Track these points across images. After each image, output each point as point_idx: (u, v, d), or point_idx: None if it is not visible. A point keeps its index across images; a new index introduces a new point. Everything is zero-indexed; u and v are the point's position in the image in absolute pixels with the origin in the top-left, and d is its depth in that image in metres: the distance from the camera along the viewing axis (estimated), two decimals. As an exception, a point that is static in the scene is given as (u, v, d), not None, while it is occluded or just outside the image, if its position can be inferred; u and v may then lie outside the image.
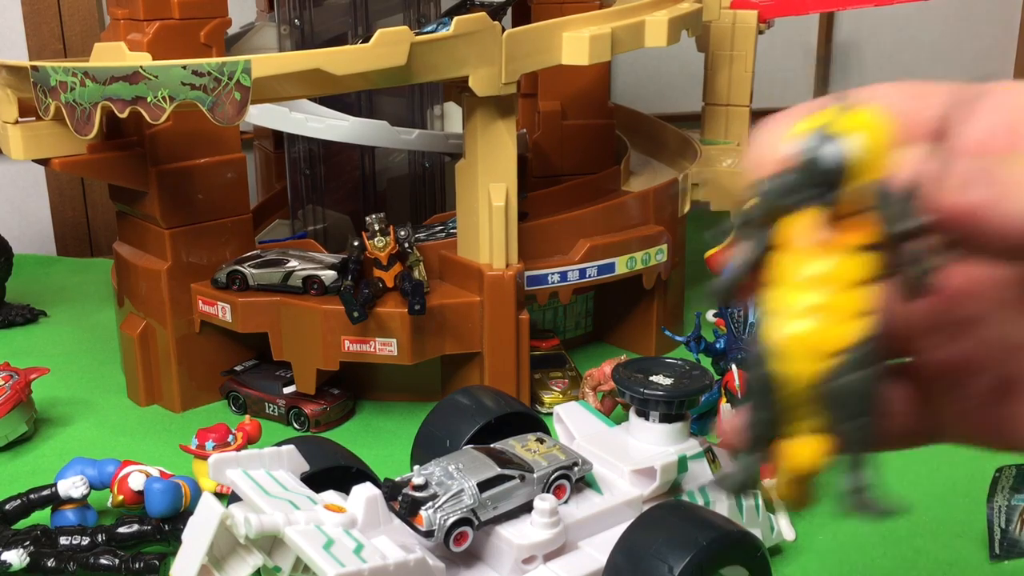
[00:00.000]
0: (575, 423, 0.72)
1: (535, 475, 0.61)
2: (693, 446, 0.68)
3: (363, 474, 0.66)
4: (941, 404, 0.32)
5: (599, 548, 0.61)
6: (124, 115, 0.78)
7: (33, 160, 0.89)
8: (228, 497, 0.63)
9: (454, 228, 0.98)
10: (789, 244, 0.28)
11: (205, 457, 0.77)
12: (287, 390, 0.96)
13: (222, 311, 0.95)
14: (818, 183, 0.27)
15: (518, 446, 0.65)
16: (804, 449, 0.29)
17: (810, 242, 0.28)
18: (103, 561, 0.70)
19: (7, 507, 0.75)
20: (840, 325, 0.27)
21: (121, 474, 0.76)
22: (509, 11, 1.13)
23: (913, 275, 0.27)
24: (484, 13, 0.85)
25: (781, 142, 0.28)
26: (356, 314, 0.87)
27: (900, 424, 0.33)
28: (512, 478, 0.60)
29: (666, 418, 0.67)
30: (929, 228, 0.27)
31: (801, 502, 0.29)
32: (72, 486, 0.75)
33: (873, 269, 0.28)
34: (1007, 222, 0.25)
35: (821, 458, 0.29)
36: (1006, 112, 0.27)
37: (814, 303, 0.28)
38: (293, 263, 0.95)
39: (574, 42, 0.88)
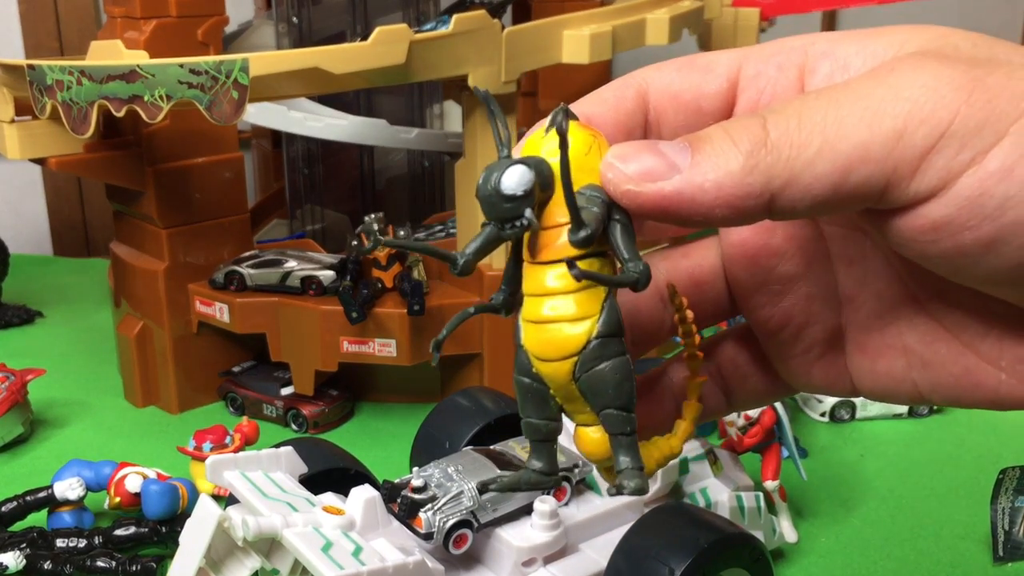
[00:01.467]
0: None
1: (535, 477, 0.61)
2: (694, 448, 0.68)
3: (362, 476, 0.65)
4: (784, 360, 0.34)
5: (599, 550, 0.61)
6: (121, 114, 0.77)
7: (29, 159, 0.88)
8: (226, 499, 0.62)
9: (454, 228, 0.97)
10: (526, 262, 0.32)
11: (202, 459, 0.77)
12: (285, 391, 0.96)
13: (220, 312, 0.95)
14: (505, 207, 0.30)
15: (518, 448, 0.64)
16: (590, 438, 0.32)
17: (536, 258, 0.31)
18: (100, 563, 0.69)
19: (3, 509, 0.74)
20: (566, 330, 0.31)
21: (118, 476, 0.76)
22: (509, 9, 1.12)
23: (628, 274, 0.30)
24: (484, 11, 0.84)
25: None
26: (355, 315, 0.87)
27: (753, 383, 0.36)
28: (512, 480, 0.60)
29: (667, 419, 0.67)
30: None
31: (618, 481, 0.31)
32: (68, 488, 0.75)
33: (591, 271, 0.30)
34: (692, 206, 0.28)
35: (604, 444, 0.32)
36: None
37: (548, 312, 0.31)
38: (291, 263, 0.95)
39: (574, 40, 0.87)
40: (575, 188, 0.30)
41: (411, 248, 0.34)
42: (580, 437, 0.32)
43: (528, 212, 0.30)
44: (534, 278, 0.32)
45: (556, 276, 0.31)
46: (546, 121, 0.31)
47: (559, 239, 0.31)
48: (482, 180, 0.30)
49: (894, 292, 0.33)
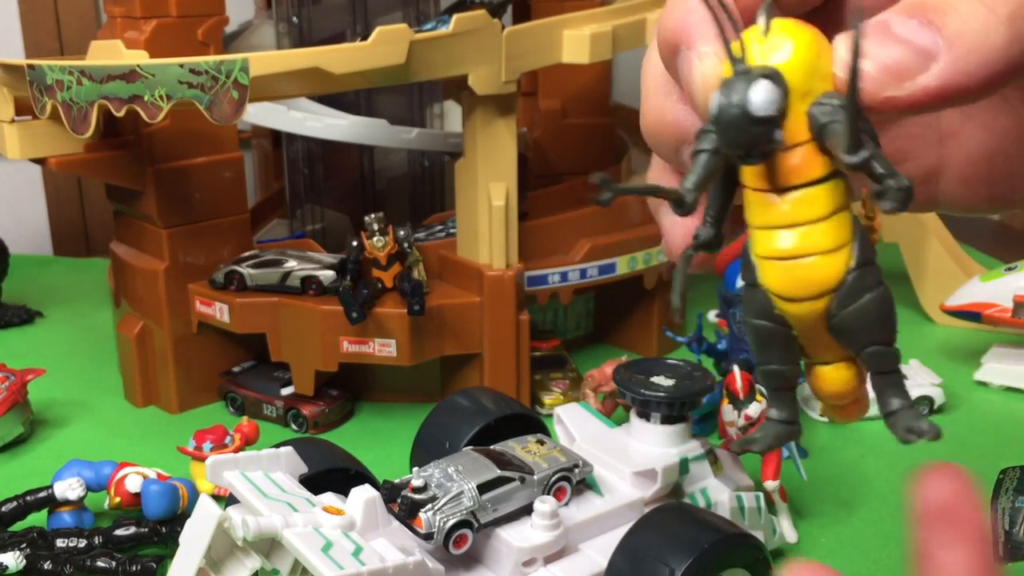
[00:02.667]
0: (575, 424, 0.72)
1: (535, 477, 0.61)
2: (695, 448, 0.68)
3: (362, 476, 0.65)
4: None
5: (600, 550, 0.61)
6: (121, 114, 0.77)
7: (29, 159, 0.88)
8: (226, 499, 0.62)
9: (454, 228, 0.97)
10: (752, 186, 0.28)
11: (202, 459, 0.77)
12: (285, 391, 0.96)
13: (220, 312, 0.95)
14: (747, 135, 0.26)
15: (518, 448, 0.64)
16: (834, 376, 0.29)
17: (772, 185, 0.27)
18: (100, 563, 0.69)
19: (3, 509, 0.74)
20: (822, 263, 0.27)
21: (118, 476, 0.76)
22: (509, 9, 1.12)
23: (887, 189, 0.26)
24: (484, 11, 0.84)
25: (712, 85, 0.27)
26: (355, 315, 0.87)
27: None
28: (512, 480, 0.60)
29: (667, 419, 0.67)
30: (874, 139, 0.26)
31: (850, 419, 0.30)
32: (68, 488, 0.75)
33: (839, 196, 0.27)
34: (958, 94, 0.25)
35: (852, 383, 0.29)
36: None
37: (789, 247, 0.27)
38: (291, 263, 0.95)
39: (575, 40, 0.87)
40: (814, 97, 0.26)
41: (636, 191, 0.29)
42: (821, 376, 0.29)
43: (779, 134, 0.26)
44: (770, 207, 0.28)
45: (799, 202, 0.27)
46: (760, 17, 0.27)
47: (797, 160, 0.27)
48: (722, 100, 0.26)
49: (1001, 123, 0.31)
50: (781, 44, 0.27)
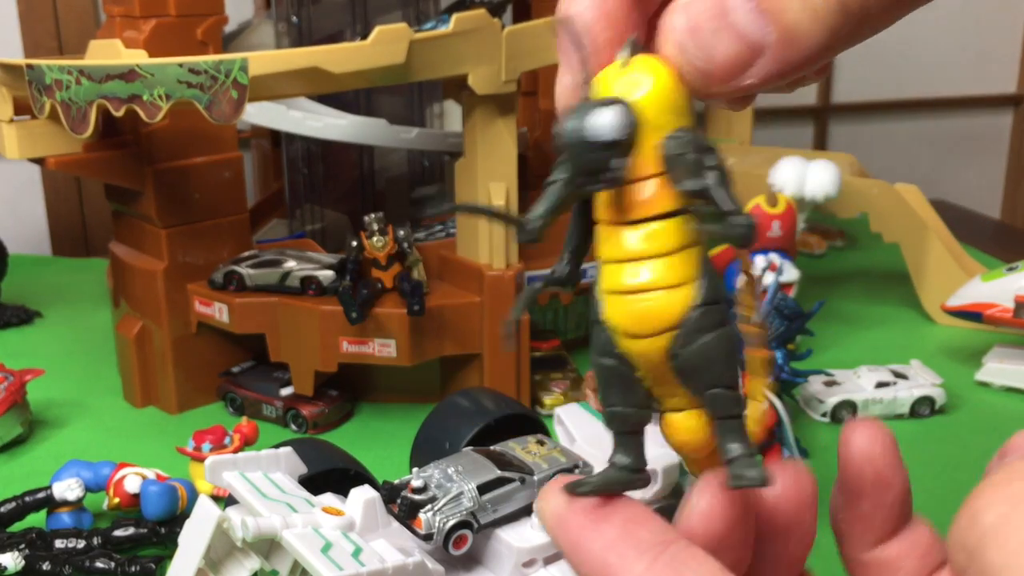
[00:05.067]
0: (576, 425, 0.71)
1: (535, 477, 0.61)
2: (695, 448, 0.68)
3: (361, 476, 0.65)
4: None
5: (601, 552, 0.60)
6: (120, 114, 0.77)
7: (28, 159, 0.88)
8: (225, 500, 0.62)
9: (454, 228, 0.97)
10: (601, 218, 0.28)
11: (202, 459, 0.77)
12: (285, 392, 0.96)
13: (219, 312, 0.94)
14: (589, 161, 0.26)
15: (518, 448, 0.64)
16: (684, 425, 0.28)
17: (620, 218, 0.27)
18: (99, 564, 0.69)
19: (2, 510, 0.74)
20: (663, 300, 0.27)
21: (117, 476, 0.76)
22: (509, 8, 1.12)
23: (726, 228, 0.25)
24: (484, 10, 0.84)
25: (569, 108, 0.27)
26: (354, 315, 0.87)
27: None
28: (512, 480, 0.60)
29: (668, 420, 0.67)
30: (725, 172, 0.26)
31: (711, 470, 0.28)
32: (67, 488, 0.74)
33: (687, 232, 0.27)
34: (792, 71, 0.26)
35: (702, 433, 0.28)
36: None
37: (640, 279, 0.27)
38: (291, 263, 0.94)
39: (574, 40, 0.87)
40: (667, 131, 0.26)
41: (481, 212, 0.29)
42: (671, 425, 0.28)
43: (618, 162, 0.26)
44: (617, 241, 0.27)
45: (646, 236, 0.27)
46: (623, 52, 0.27)
47: (646, 193, 0.27)
48: (568, 124, 0.26)
49: None
50: (638, 79, 0.27)
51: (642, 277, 0.27)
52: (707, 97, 0.27)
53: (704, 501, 0.28)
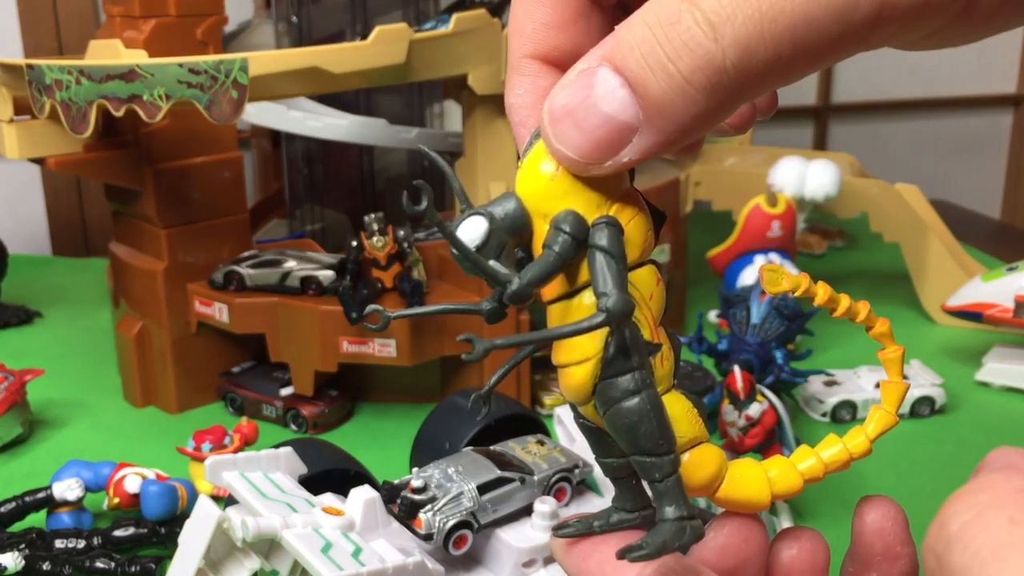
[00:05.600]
0: (576, 425, 0.71)
1: (535, 478, 0.61)
2: (695, 448, 0.68)
3: (361, 476, 0.65)
4: None
5: (601, 552, 0.60)
6: (120, 114, 0.77)
7: (28, 159, 0.88)
8: (225, 500, 0.62)
9: (453, 228, 0.97)
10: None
11: (202, 459, 0.77)
12: (284, 392, 0.96)
13: (219, 312, 0.94)
14: (466, 265, 0.28)
15: (518, 448, 0.64)
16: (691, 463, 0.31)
17: (541, 299, 0.30)
18: (99, 564, 0.69)
19: (2, 510, 0.74)
20: (577, 370, 0.29)
21: (117, 476, 0.76)
22: (509, 8, 1.12)
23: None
24: (484, 10, 0.84)
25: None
26: (354, 315, 0.87)
27: None
28: (512, 481, 0.60)
29: (668, 420, 0.67)
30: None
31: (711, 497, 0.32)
32: (67, 488, 0.74)
33: (581, 311, 0.29)
34: (665, 149, 0.27)
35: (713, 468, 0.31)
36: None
37: (557, 355, 0.29)
38: (291, 263, 0.94)
39: (574, 40, 0.87)
40: (552, 215, 0.28)
41: (425, 314, 0.33)
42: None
43: (492, 263, 0.28)
44: (548, 318, 0.30)
45: (553, 317, 0.29)
46: (530, 142, 0.29)
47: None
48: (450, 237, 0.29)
49: None
50: (526, 170, 0.28)
51: (557, 353, 0.29)
52: (590, 175, 0.27)
53: (720, 537, 0.30)
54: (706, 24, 0.24)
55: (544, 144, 0.28)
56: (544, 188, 0.28)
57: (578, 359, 0.28)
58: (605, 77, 0.25)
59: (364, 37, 0.80)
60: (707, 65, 0.24)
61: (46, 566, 0.69)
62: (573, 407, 0.30)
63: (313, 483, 0.61)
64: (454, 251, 0.28)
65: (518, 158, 0.29)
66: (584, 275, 0.28)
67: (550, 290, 0.29)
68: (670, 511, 0.28)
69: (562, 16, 0.30)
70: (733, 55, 0.24)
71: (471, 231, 0.28)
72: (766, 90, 0.25)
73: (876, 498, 0.33)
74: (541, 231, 0.28)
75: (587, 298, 0.28)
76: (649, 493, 0.30)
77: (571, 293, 0.28)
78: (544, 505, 0.59)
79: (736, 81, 0.24)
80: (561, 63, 0.30)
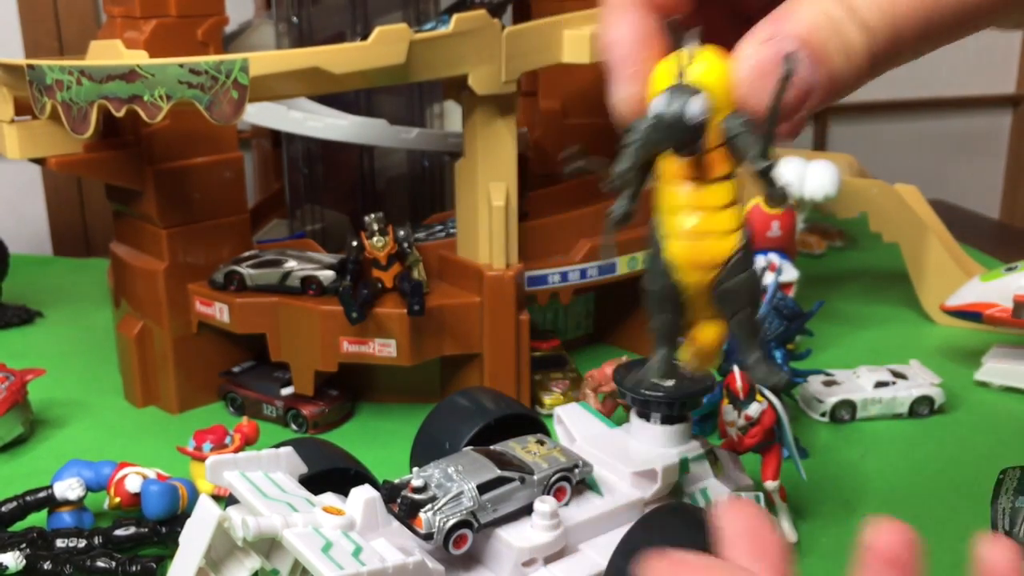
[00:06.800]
0: (575, 425, 0.71)
1: (535, 477, 0.61)
2: (695, 447, 0.68)
3: (362, 476, 0.65)
4: None
5: (600, 550, 0.60)
6: (121, 114, 0.77)
7: (29, 159, 0.88)
8: (225, 499, 0.62)
9: (454, 228, 0.97)
10: (667, 178, 0.37)
11: (202, 459, 0.77)
12: (285, 391, 0.96)
13: (219, 312, 0.95)
14: (682, 135, 0.35)
15: (518, 448, 0.64)
16: (706, 333, 0.40)
17: (683, 177, 0.36)
18: (99, 564, 0.69)
19: (3, 509, 0.74)
20: (718, 242, 0.37)
21: (118, 476, 0.76)
22: (509, 9, 1.12)
23: (774, 193, 0.36)
24: (484, 11, 0.84)
25: (646, 89, 0.37)
26: (354, 315, 0.87)
27: None
28: (512, 480, 0.60)
29: (667, 419, 0.67)
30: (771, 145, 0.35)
31: (704, 367, 0.42)
32: (68, 488, 0.75)
33: (735, 194, 0.37)
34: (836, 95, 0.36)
35: (719, 339, 0.40)
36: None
37: (695, 227, 0.36)
38: (291, 263, 0.95)
39: (575, 40, 0.87)
40: (725, 113, 0.35)
41: (587, 170, 0.42)
42: (700, 329, 0.40)
43: (702, 138, 0.35)
44: (683, 197, 0.37)
45: (708, 194, 0.36)
46: (689, 45, 0.36)
47: (710, 160, 0.36)
48: (664, 106, 0.35)
49: None
50: (705, 69, 0.35)
51: (702, 224, 0.36)
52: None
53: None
54: (868, 17, 0.34)
55: (718, 54, 0.36)
56: (725, 88, 0.35)
57: (727, 229, 0.36)
58: (793, 45, 0.34)
59: (364, 37, 0.80)
60: (869, 48, 0.34)
61: (47, 565, 0.69)
62: (662, 275, 0.38)
63: (313, 483, 0.61)
64: (689, 123, 0.35)
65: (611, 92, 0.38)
66: (729, 165, 0.37)
67: (706, 172, 0.37)
68: (756, 355, 0.39)
69: None
70: (884, 40, 0.34)
71: (699, 107, 0.35)
72: (902, 63, 0.36)
73: (887, 522, 0.36)
74: (714, 122, 0.36)
75: (735, 183, 0.37)
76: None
77: (724, 177, 0.36)
78: (544, 504, 0.59)
79: (885, 60, 0.35)
80: (659, 6, 0.38)
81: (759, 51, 0.34)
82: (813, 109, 0.35)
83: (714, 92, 0.35)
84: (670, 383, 0.57)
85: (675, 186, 0.37)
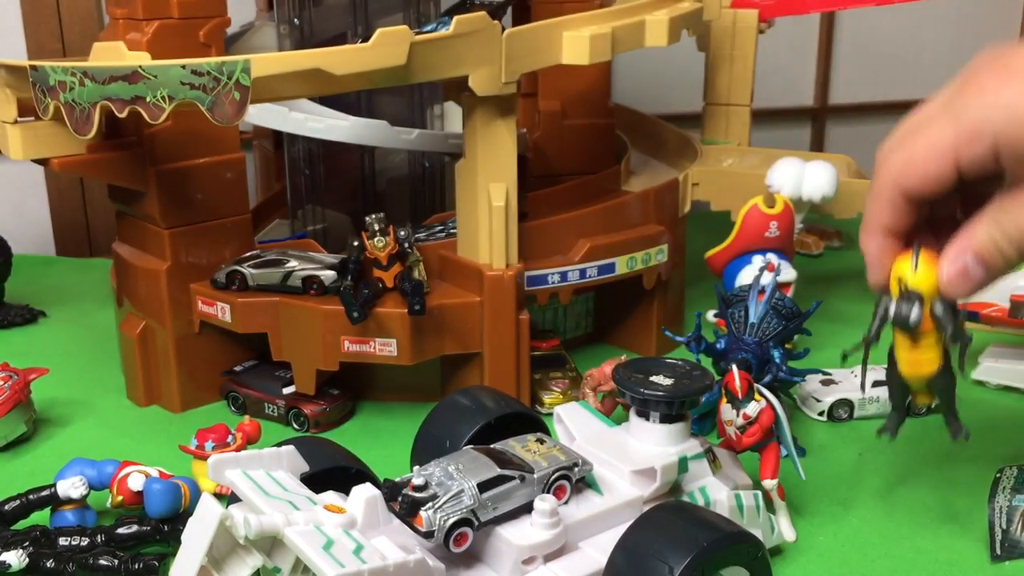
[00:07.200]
0: (575, 423, 0.72)
1: (535, 476, 0.61)
2: (694, 446, 0.68)
3: (363, 475, 0.66)
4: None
5: (599, 549, 0.61)
6: (123, 115, 0.78)
7: (32, 160, 0.89)
8: (227, 498, 0.63)
9: (454, 228, 0.98)
10: (898, 338, 0.65)
11: (204, 457, 0.77)
12: (287, 390, 0.96)
13: (221, 311, 0.95)
14: (905, 327, 0.63)
15: (518, 447, 0.65)
16: (923, 399, 0.70)
17: (910, 337, 0.64)
18: (102, 562, 0.70)
19: (6, 508, 0.75)
20: (926, 367, 0.65)
21: (120, 475, 0.76)
22: (509, 10, 1.13)
23: (958, 343, 0.64)
24: (484, 12, 0.84)
25: (884, 276, 0.64)
26: (356, 314, 0.87)
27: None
28: (512, 479, 0.60)
29: (667, 418, 0.67)
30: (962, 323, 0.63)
31: (925, 403, 0.71)
32: (71, 487, 0.75)
33: (936, 341, 0.64)
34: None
35: (930, 400, 0.70)
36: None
37: (917, 359, 0.65)
38: (293, 263, 0.95)
39: (574, 41, 0.88)
40: (933, 300, 0.62)
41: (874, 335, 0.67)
42: (918, 396, 0.70)
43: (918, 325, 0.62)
44: (912, 345, 0.65)
45: (924, 344, 0.64)
46: (914, 255, 0.62)
47: (924, 327, 0.62)
48: (897, 310, 0.62)
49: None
50: (922, 275, 0.61)
51: (917, 360, 0.65)
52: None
53: None
54: (1009, 238, 0.58)
55: (932, 262, 0.61)
56: (935, 286, 0.61)
57: (934, 358, 0.65)
58: (973, 262, 0.59)
59: (365, 39, 0.80)
60: (1011, 259, 0.58)
61: (50, 564, 0.69)
62: (899, 376, 0.67)
63: (315, 481, 0.61)
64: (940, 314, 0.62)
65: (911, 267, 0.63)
66: (933, 328, 0.63)
67: (923, 334, 0.64)
68: (954, 418, 0.70)
69: (904, 220, 0.62)
70: (1018, 253, 0.58)
71: (917, 314, 0.62)
72: None
73: None
74: (926, 307, 0.62)
75: (938, 335, 0.64)
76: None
77: (931, 333, 0.64)
78: (544, 503, 0.60)
79: (1016, 261, 0.58)
80: (892, 232, 0.63)
81: (954, 263, 0.59)
82: (981, 290, 0.60)
83: (927, 289, 0.61)
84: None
85: (904, 339, 0.65)
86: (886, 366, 0.67)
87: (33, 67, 0.82)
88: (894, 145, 0.61)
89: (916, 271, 0.61)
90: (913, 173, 0.59)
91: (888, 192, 0.61)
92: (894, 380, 0.67)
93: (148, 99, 0.76)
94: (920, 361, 0.64)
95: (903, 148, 0.60)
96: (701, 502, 0.67)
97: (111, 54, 0.87)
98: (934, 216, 0.63)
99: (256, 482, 0.58)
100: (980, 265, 0.58)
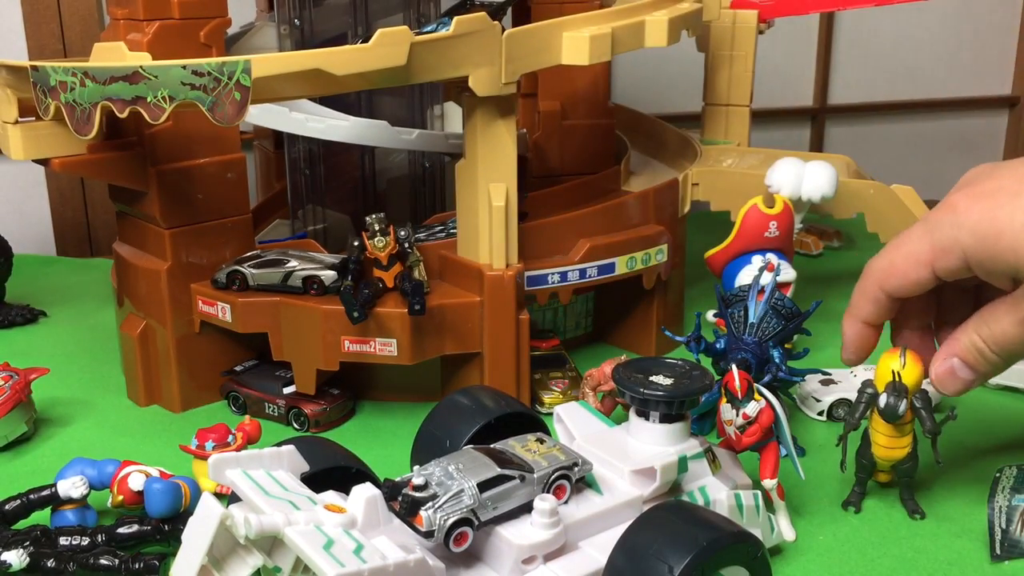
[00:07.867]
0: (575, 423, 0.72)
1: (535, 475, 0.61)
2: (693, 446, 0.68)
3: (363, 474, 0.66)
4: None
5: (599, 548, 0.61)
6: (124, 115, 0.78)
7: (33, 160, 0.89)
8: (228, 497, 0.63)
9: (454, 228, 0.98)
10: (878, 423, 0.76)
11: (205, 457, 0.77)
12: (287, 390, 0.96)
13: (222, 311, 0.95)
14: (890, 417, 0.75)
15: (518, 446, 0.65)
16: (885, 477, 0.81)
17: (889, 425, 0.75)
18: (103, 561, 0.70)
19: (7, 507, 0.75)
20: (898, 451, 0.77)
21: (121, 474, 0.76)
22: (509, 11, 1.13)
23: (930, 430, 0.76)
24: (484, 13, 0.85)
25: (858, 359, 0.76)
26: (356, 314, 0.87)
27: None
28: (512, 478, 0.60)
29: (666, 418, 0.67)
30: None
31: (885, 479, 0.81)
32: (72, 486, 0.75)
33: (911, 430, 0.76)
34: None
35: (893, 477, 0.81)
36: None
37: (892, 443, 0.76)
38: (293, 263, 0.95)
39: (574, 42, 0.88)
40: (914, 392, 0.74)
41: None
42: (886, 475, 0.81)
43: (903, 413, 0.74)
44: (889, 429, 0.75)
45: (899, 431, 0.75)
46: (901, 356, 0.74)
47: (906, 420, 0.75)
48: (886, 400, 0.73)
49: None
50: (911, 371, 0.73)
51: (895, 442, 0.76)
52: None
53: None
54: (995, 347, 0.67)
55: (917, 362, 0.74)
56: (918, 381, 0.74)
57: (906, 444, 0.76)
58: (959, 364, 0.69)
59: (366, 39, 0.80)
60: (995, 362, 0.68)
61: (51, 563, 0.69)
62: (870, 457, 0.79)
63: (315, 481, 0.61)
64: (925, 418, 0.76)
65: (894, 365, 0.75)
66: (909, 416, 0.75)
67: (902, 424, 0.75)
68: (911, 496, 0.80)
69: (883, 314, 0.73)
70: (1000, 358, 0.68)
71: (903, 407, 0.74)
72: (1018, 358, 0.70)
73: None
74: (908, 399, 0.74)
75: (912, 423, 0.76)
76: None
77: (908, 423, 0.75)
78: (544, 503, 0.60)
79: (1005, 362, 0.68)
80: (869, 323, 0.74)
81: (942, 365, 0.70)
82: (974, 387, 0.71)
83: (911, 383, 0.73)
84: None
85: (880, 423, 0.76)
86: (859, 445, 0.79)
87: (34, 67, 0.82)
88: (881, 252, 0.71)
89: (904, 368, 0.72)
90: (894, 276, 0.69)
91: (871, 291, 0.71)
92: (866, 458, 0.78)
93: (149, 99, 0.76)
94: (895, 446, 0.76)
95: (887, 255, 0.70)
96: (701, 502, 0.67)
97: (112, 54, 0.87)
98: (913, 306, 0.74)
99: (256, 482, 0.58)
100: (966, 367, 0.69)
